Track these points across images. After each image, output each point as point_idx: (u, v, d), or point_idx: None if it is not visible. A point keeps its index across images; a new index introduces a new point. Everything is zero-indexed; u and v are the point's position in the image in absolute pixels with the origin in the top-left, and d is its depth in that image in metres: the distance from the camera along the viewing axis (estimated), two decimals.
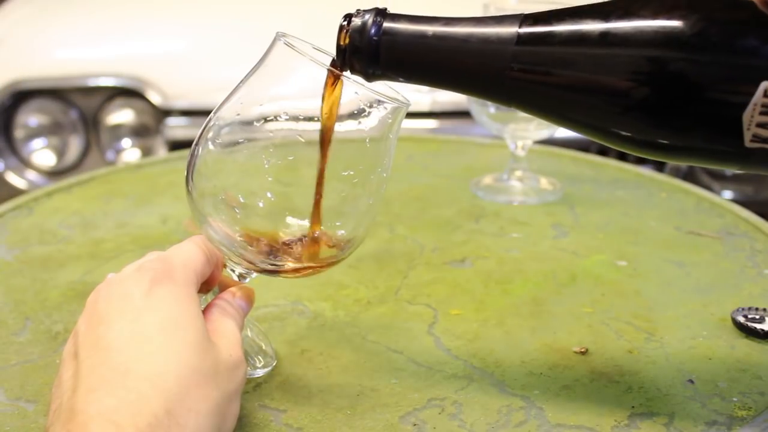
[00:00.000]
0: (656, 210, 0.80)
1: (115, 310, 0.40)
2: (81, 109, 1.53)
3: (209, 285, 0.48)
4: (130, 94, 1.50)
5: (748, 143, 0.38)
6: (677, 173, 1.24)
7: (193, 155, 0.46)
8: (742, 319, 0.56)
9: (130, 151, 1.55)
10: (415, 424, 0.46)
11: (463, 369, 0.52)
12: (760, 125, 0.38)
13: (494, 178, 0.87)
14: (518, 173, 0.86)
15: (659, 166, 1.35)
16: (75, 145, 1.55)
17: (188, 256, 0.44)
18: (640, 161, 1.42)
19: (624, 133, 0.41)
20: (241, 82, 0.45)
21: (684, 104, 0.39)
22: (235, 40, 1.51)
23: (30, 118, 1.54)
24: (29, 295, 0.63)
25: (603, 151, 1.41)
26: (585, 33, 0.40)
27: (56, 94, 1.52)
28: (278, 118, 0.45)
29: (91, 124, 1.54)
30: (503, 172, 0.87)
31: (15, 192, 1.47)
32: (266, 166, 0.44)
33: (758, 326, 0.55)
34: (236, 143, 0.45)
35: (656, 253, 0.70)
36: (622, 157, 1.40)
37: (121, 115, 1.53)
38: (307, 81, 0.44)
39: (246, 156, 0.45)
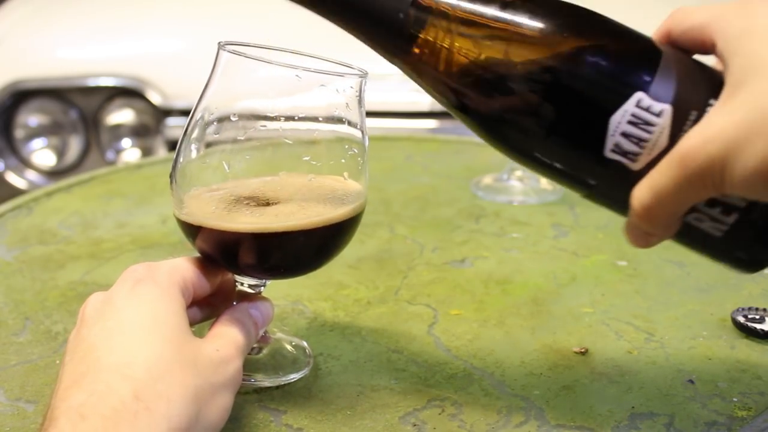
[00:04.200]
0: None
1: (98, 312, 0.41)
2: (81, 109, 1.53)
3: (226, 301, 0.48)
4: (130, 94, 1.50)
5: (607, 152, 0.39)
6: None
7: (177, 158, 0.47)
8: (742, 319, 0.56)
9: (130, 151, 1.55)
10: (415, 425, 0.46)
11: (463, 369, 0.52)
12: (624, 134, 0.38)
13: (494, 178, 0.87)
14: (518, 173, 0.86)
15: None
16: (75, 145, 1.55)
17: (176, 263, 0.45)
18: None
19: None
20: (201, 95, 0.47)
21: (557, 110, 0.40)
22: (234, 39, 1.51)
23: (30, 118, 1.54)
24: (29, 295, 0.63)
25: None
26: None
27: (56, 94, 1.52)
28: (233, 118, 0.46)
29: (91, 124, 1.54)
30: (503, 172, 0.87)
31: (15, 192, 1.47)
32: (235, 166, 0.46)
33: (758, 326, 0.55)
34: (215, 146, 0.46)
35: (656, 253, 0.70)
36: None
37: (121, 115, 1.53)
38: (266, 81, 0.45)
39: (223, 158, 0.46)
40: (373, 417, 0.47)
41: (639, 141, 0.38)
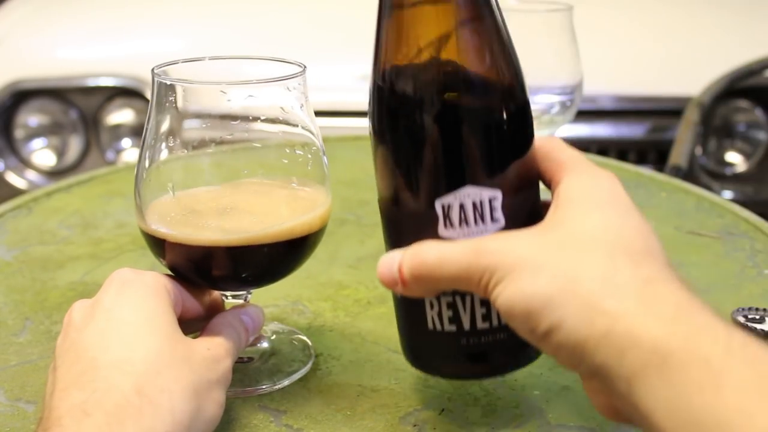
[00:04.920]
0: (656, 210, 0.80)
1: (87, 315, 0.42)
2: (81, 109, 1.53)
3: (210, 313, 0.49)
4: (130, 94, 1.50)
5: (437, 202, 0.40)
6: (677, 173, 1.24)
7: (138, 170, 0.48)
8: (742, 319, 0.56)
9: (130, 151, 1.55)
10: (415, 425, 0.46)
11: None
12: (461, 206, 0.40)
13: None
14: None
15: (659, 166, 1.35)
16: (75, 145, 1.55)
17: (158, 274, 0.45)
18: (640, 161, 1.43)
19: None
20: (150, 107, 0.47)
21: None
22: (234, 40, 1.51)
23: (30, 118, 1.54)
24: (29, 295, 0.62)
25: (603, 151, 1.41)
26: None
27: (56, 94, 1.52)
28: (189, 128, 0.47)
29: (91, 124, 1.53)
30: None
31: (15, 192, 1.47)
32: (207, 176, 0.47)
33: (758, 326, 0.55)
34: (176, 156, 0.47)
35: None
36: (622, 156, 1.40)
37: (121, 115, 1.53)
38: (215, 92, 0.45)
39: (184, 167, 0.48)
40: (373, 417, 0.47)
41: (463, 221, 0.40)
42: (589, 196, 0.38)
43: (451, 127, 0.40)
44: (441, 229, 0.41)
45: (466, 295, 0.41)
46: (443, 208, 0.40)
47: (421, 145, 0.41)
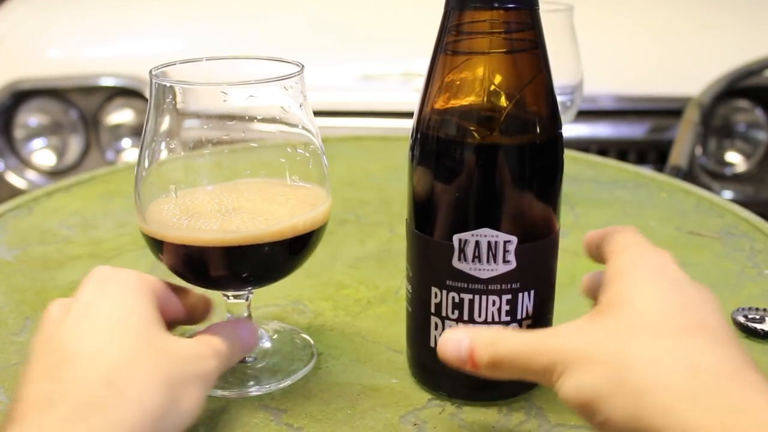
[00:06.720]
0: (656, 210, 0.80)
1: (65, 311, 0.41)
2: (81, 109, 1.53)
3: (191, 316, 0.48)
4: (130, 94, 1.50)
5: (456, 236, 0.43)
6: (677, 173, 1.24)
7: (138, 171, 0.48)
8: (742, 319, 0.56)
9: (130, 151, 1.55)
10: (415, 424, 0.46)
11: None
12: (477, 243, 0.43)
13: None
14: None
15: (659, 166, 1.35)
16: (75, 145, 1.55)
17: (139, 272, 0.45)
18: (640, 161, 1.43)
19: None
20: (149, 106, 0.47)
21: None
22: (235, 40, 1.51)
23: (30, 118, 1.54)
24: (29, 295, 0.63)
25: (603, 151, 1.41)
26: None
27: (56, 94, 1.52)
28: (188, 128, 0.47)
29: (91, 124, 1.53)
30: None
31: (15, 192, 1.47)
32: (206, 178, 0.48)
33: (758, 326, 0.55)
34: (174, 156, 0.47)
35: None
36: (622, 156, 1.40)
37: (121, 115, 1.53)
38: (214, 93, 0.45)
39: (184, 167, 0.48)
40: (373, 417, 0.47)
41: (476, 258, 0.43)
42: (635, 271, 0.40)
43: (479, 174, 0.43)
44: (455, 261, 0.44)
45: (468, 323, 0.44)
46: (460, 242, 0.43)
47: (449, 184, 0.43)
